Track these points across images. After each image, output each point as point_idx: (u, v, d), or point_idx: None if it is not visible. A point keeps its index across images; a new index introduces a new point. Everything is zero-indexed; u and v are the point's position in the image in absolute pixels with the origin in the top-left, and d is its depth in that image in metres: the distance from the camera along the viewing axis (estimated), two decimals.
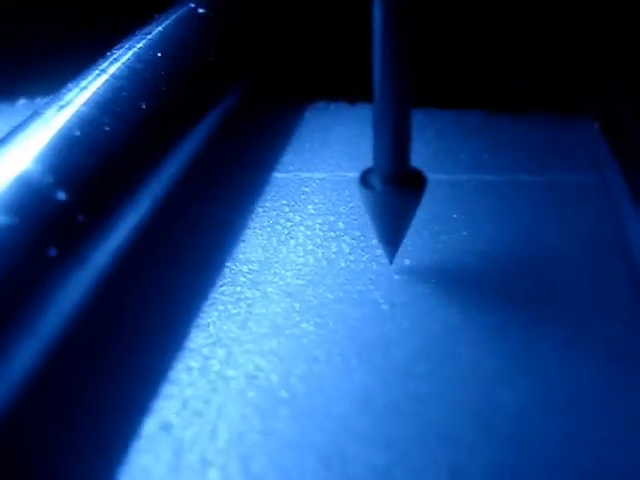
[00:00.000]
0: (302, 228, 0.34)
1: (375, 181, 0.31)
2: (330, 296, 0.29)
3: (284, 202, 0.36)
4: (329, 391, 0.25)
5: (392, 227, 0.32)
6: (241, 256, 0.32)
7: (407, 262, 0.32)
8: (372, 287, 0.30)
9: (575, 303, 0.30)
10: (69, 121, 0.30)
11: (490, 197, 0.37)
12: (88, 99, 0.32)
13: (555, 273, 0.32)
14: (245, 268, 0.31)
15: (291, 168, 0.40)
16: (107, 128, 0.31)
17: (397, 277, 0.31)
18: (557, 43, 0.47)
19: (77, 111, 0.31)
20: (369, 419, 0.24)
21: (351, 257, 0.32)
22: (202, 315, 0.29)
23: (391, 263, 0.33)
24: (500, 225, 0.35)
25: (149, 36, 0.38)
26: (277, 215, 0.35)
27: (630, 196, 0.34)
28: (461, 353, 0.27)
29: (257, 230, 0.34)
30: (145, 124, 0.33)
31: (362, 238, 0.33)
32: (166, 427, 0.24)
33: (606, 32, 0.46)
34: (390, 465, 0.22)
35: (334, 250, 0.32)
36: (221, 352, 0.27)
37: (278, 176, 0.39)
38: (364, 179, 0.31)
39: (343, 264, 0.31)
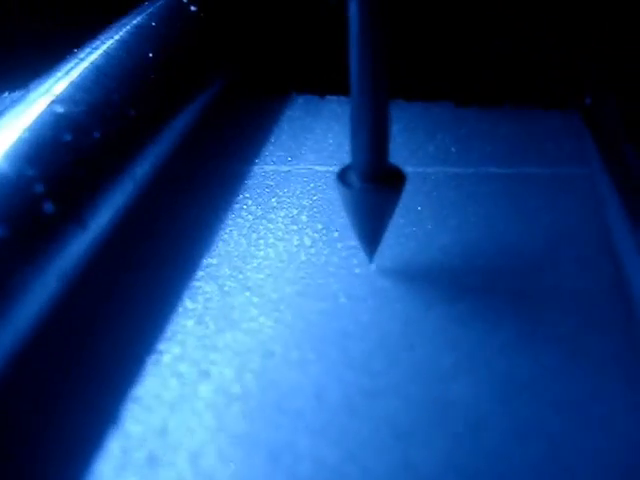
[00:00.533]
0: (264, 221, 0.34)
1: (353, 179, 0.30)
2: (289, 290, 0.29)
3: (247, 195, 0.36)
4: (283, 386, 0.25)
5: (371, 225, 0.32)
6: (201, 249, 0.32)
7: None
8: (332, 280, 0.30)
9: (539, 295, 0.30)
10: (44, 113, 0.29)
11: (455, 190, 0.37)
12: (64, 90, 0.31)
13: (518, 265, 0.32)
14: (204, 262, 0.31)
15: (256, 161, 0.40)
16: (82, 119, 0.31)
17: (358, 271, 0.31)
18: (534, 34, 0.47)
19: (52, 102, 0.30)
20: (322, 415, 0.24)
21: (312, 250, 0.32)
22: (158, 310, 0.29)
23: (371, 262, 0.32)
24: (465, 218, 0.35)
25: (127, 27, 0.38)
26: (239, 208, 0.35)
27: (612, 188, 0.34)
28: (419, 347, 0.27)
29: (219, 224, 0.34)
30: (121, 116, 0.33)
31: (324, 231, 0.33)
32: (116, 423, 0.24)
33: (584, 22, 0.46)
34: (341, 461, 0.22)
35: (295, 243, 0.32)
36: (176, 348, 0.26)
37: (243, 169, 0.39)
38: (342, 176, 0.31)
39: (304, 257, 0.31)
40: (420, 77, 0.48)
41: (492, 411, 0.24)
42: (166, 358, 0.26)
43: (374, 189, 0.30)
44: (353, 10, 0.27)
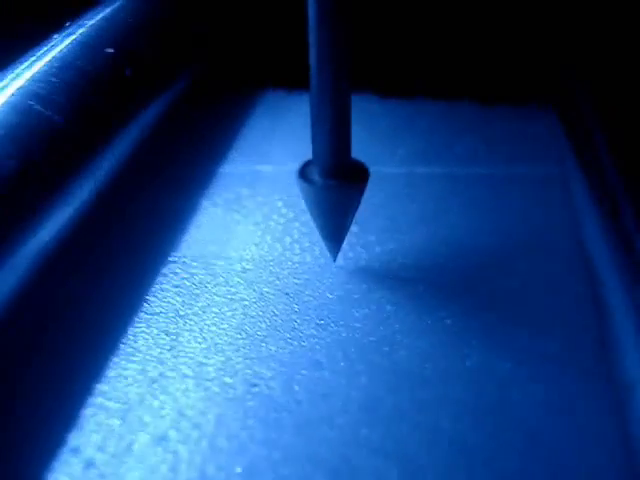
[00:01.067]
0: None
1: (314, 174, 0.29)
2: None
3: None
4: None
5: (334, 223, 0.31)
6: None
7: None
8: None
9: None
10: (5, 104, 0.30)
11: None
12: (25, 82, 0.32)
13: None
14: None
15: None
16: (49, 113, 0.31)
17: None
18: (514, 33, 0.47)
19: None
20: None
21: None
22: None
23: (335, 260, 0.32)
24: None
25: (94, 20, 0.38)
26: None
27: (584, 188, 0.35)
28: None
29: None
30: (89, 109, 0.33)
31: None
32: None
33: (562, 23, 0.46)
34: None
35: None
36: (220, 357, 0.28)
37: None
38: (303, 173, 0.30)
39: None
40: (397, 73, 0.48)
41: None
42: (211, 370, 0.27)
43: (336, 185, 0.29)
44: (311, 6, 0.26)
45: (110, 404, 0.27)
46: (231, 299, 0.32)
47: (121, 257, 0.34)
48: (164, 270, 0.33)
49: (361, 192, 0.30)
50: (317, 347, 0.29)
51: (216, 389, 0.28)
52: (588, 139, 0.37)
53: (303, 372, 0.28)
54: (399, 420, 0.26)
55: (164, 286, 0.33)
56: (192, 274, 0.33)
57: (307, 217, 0.33)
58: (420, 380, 0.28)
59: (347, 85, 0.28)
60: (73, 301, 0.32)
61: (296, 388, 0.28)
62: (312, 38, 0.27)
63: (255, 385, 0.28)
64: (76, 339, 0.30)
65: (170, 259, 0.34)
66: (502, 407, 0.27)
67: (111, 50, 0.36)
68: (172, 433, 0.26)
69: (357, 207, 0.31)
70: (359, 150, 0.30)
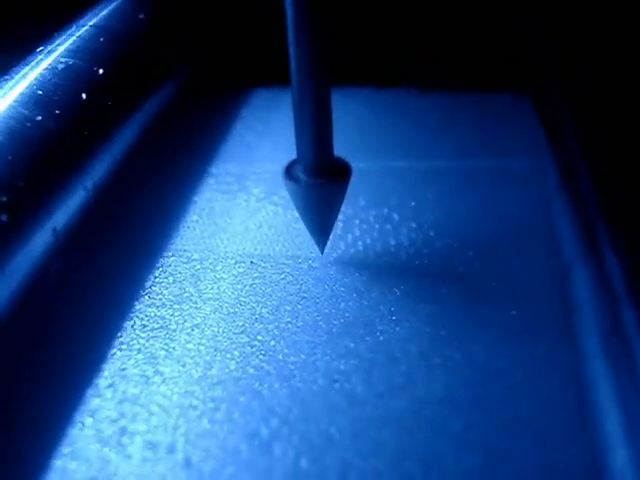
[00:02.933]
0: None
1: (299, 173, 0.31)
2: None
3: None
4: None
5: (320, 219, 0.33)
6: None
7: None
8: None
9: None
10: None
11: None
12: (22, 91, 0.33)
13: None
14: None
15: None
16: (39, 118, 0.32)
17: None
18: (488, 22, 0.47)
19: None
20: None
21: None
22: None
23: (322, 253, 0.34)
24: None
25: (88, 25, 0.39)
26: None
27: (556, 180, 0.36)
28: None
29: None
30: (82, 113, 0.34)
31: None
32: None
33: (539, 12, 0.46)
34: None
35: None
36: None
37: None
38: (289, 171, 0.31)
39: None
40: (369, 62, 0.49)
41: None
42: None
43: (320, 184, 0.31)
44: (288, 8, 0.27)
45: (198, 404, 0.28)
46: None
47: (117, 252, 0.35)
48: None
49: (344, 189, 0.32)
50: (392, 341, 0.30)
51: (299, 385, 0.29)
52: (561, 129, 0.38)
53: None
54: (480, 411, 0.27)
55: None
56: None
57: None
58: (493, 373, 0.29)
59: (327, 89, 0.29)
60: (72, 298, 0.33)
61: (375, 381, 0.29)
62: (290, 39, 0.28)
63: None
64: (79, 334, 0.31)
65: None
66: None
67: (100, 71, 0.37)
68: (263, 430, 0.27)
69: (341, 203, 0.33)
70: None
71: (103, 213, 0.36)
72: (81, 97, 0.34)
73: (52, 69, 0.35)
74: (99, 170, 0.35)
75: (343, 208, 0.38)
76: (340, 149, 0.42)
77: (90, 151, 0.34)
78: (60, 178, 0.32)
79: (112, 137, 0.36)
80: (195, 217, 0.38)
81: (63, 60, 0.35)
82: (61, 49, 0.36)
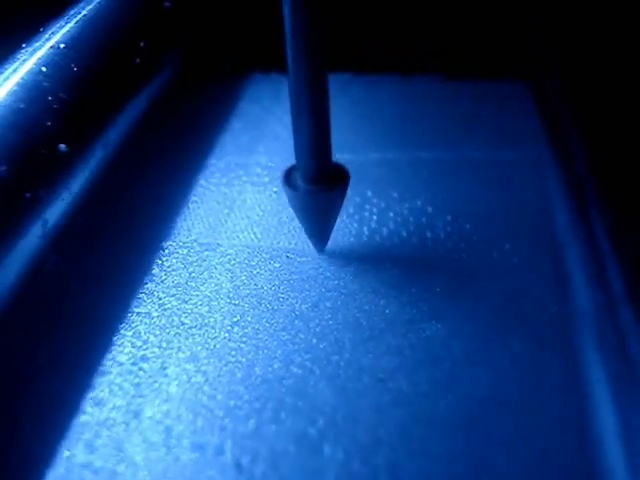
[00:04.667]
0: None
1: (298, 180, 0.31)
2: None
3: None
4: None
5: (318, 223, 0.33)
6: None
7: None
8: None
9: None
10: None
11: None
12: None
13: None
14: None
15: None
16: (38, 111, 0.32)
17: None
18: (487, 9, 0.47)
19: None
20: None
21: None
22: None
23: (321, 253, 0.35)
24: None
25: (83, 12, 0.39)
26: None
27: (556, 170, 0.36)
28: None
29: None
30: (77, 102, 0.34)
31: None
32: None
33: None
34: None
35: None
36: None
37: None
38: (287, 178, 0.32)
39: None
40: (366, 49, 0.48)
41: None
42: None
43: (318, 191, 0.31)
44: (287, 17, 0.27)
45: (243, 404, 0.28)
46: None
47: (116, 245, 0.35)
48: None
49: (342, 195, 0.32)
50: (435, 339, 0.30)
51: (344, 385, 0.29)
52: (559, 118, 0.37)
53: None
54: (528, 410, 0.27)
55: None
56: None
57: None
58: (537, 371, 0.29)
59: (325, 99, 0.29)
60: (72, 289, 0.33)
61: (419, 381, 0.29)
62: (289, 55, 0.28)
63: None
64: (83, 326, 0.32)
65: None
66: None
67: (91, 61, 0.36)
68: (312, 431, 0.27)
69: (339, 209, 0.33)
70: None
71: (100, 204, 0.36)
72: (72, 89, 0.34)
73: (43, 61, 0.34)
74: (94, 163, 0.35)
75: (376, 201, 0.38)
76: (367, 139, 0.42)
77: (85, 142, 0.34)
78: (57, 169, 0.32)
79: (106, 129, 0.36)
80: (226, 211, 0.37)
81: (53, 52, 0.35)
82: (52, 41, 0.36)
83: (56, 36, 0.36)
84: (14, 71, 0.33)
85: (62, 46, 0.35)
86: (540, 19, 0.45)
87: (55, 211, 0.32)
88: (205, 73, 0.48)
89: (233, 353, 0.30)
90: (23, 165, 0.30)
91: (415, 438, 0.26)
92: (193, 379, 0.29)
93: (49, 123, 0.32)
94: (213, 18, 0.49)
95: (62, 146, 0.32)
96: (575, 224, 0.32)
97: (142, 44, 0.40)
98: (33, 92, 0.32)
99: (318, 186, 0.31)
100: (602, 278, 0.28)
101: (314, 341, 0.30)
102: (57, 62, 0.34)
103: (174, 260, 0.34)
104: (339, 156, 0.40)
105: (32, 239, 0.30)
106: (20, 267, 0.30)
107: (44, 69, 0.33)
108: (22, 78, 0.33)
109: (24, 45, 0.35)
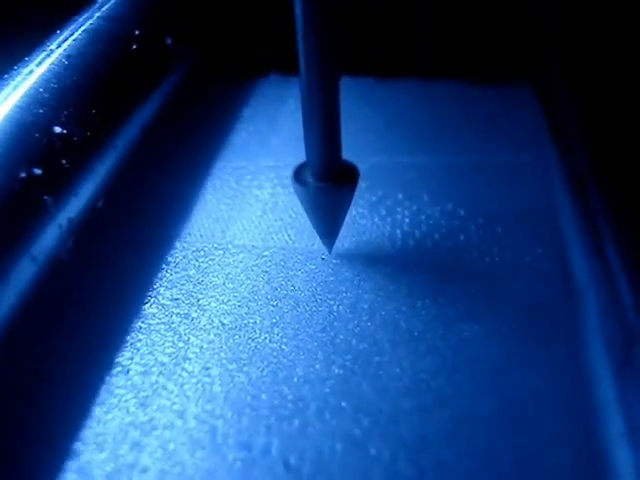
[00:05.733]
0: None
1: (308, 177, 0.32)
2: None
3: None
4: None
5: (328, 220, 0.33)
6: None
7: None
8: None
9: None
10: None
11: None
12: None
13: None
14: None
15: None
16: (49, 119, 0.32)
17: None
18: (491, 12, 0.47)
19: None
20: None
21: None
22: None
23: (330, 253, 0.35)
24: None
25: (98, 13, 0.39)
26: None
27: (561, 174, 0.36)
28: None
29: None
30: (91, 104, 0.34)
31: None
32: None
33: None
34: None
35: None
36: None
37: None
38: (297, 175, 0.32)
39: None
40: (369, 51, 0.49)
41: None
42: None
43: (328, 187, 0.32)
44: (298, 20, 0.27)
45: (287, 403, 0.28)
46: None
47: (127, 247, 0.36)
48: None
49: (352, 192, 0.32)
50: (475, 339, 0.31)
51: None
52: (565, 123, 0.38)
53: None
54: (568, 410, 0.27)
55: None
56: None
57: None
58: (578, 372, 0.29)
59: (335, 95, 0.29)
60: (83, 291, 0.33)
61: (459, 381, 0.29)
62: (300, 49, 0.28)
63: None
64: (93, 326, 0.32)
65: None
66: None
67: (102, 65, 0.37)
68: (356, 430, 0.27)
69: (349, 206, 0.33)
70: None
71: (110, 208, 0.36)
72: (85, 91, 0.34)
73: (56, 65, 0.34)
74: (106, 163, 0.35)
75: (407, 203, 0.38)
76: (396, 142, 0.42)
77: (96, 145, 0.34)
78: (68, 176, 0.32)
79: (116, 133, 0.36)
80: (259, 212, 0.38)
81: (66, 55, 0.35)
82: (65, 45, 0.36)
83: (68, 40, 0.36)
84: (24, 77, 0.33)
85: (71, 55, 0.35)
86: (546, 23, 0.45)
87: (68, 214, 0.32)
88: (214, 76, 0.49)
89: (274, 354, 0.30)
90: (40, 169, 0.30)
91: (460, 438, 0.27)
92: (236, 379, 0.29)
93: (59, 128, 0.32)
94: (222, 20, 0.49)
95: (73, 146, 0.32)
96: (581, 228, 0.32)
97: (152, 48, 0.40)
98: (43, 99, 0.33)
99: (328, 183, 0.31)
100: None
101: (354, 342, 0.31)
102: (62, 73, 0.34)
103: (210, 262, 0.35)
104: (371, 159, 0.41)
105: (47, 241, 0.31)
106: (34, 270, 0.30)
107: (53, 85, 0.34)
108: (31, 86, 0.33)
109: (26, 58, 0.36)
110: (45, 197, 0.30)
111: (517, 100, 0.46)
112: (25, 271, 0.29)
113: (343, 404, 0.28)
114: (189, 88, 0.45)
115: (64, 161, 0.32)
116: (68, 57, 0.35)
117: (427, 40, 0.49)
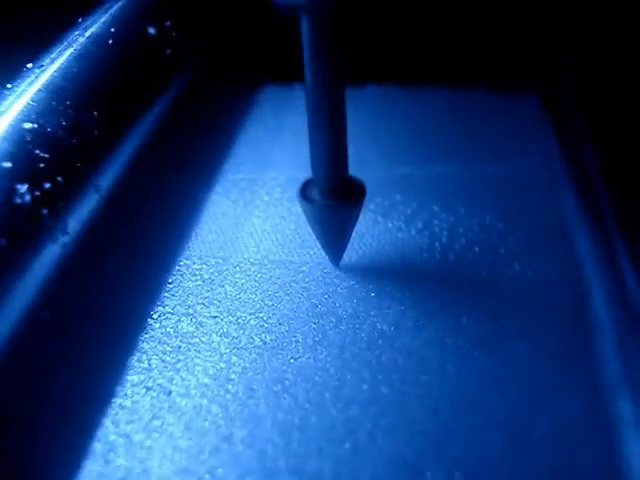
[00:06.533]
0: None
1: (315, 194, 0.31)
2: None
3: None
4: None
5: (334, 237, 0.33)
6: None
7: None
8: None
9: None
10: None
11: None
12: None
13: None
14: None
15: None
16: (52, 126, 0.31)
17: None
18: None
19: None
20: None
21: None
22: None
23: (337, 266, 0.35)
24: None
25: (102, 19, 0.38)
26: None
27: (570, 187, 0.36)
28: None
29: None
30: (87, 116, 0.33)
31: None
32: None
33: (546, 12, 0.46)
34: None
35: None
36: None
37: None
38: (304, 192, 0.32)
39: None
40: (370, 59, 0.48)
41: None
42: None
43: (335, 205, 0.31)
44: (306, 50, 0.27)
45: (337, 425, 0.28)
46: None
47: (130, 259, 0.35)
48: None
49: (358, 210, 0.32)
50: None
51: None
52: (573, 133, 0.37)
53: None
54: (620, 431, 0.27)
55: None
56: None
57: None
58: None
59: (342, 115, 0.29)
60: (90, 304, 0.33)
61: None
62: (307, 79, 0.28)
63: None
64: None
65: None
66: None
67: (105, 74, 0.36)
68: (409, 452, 0.26)
69: (355, 223, 0.33)
70: None
71: (114, 218, 0.35)
72: (87, 101, 0.34)
73: (58, 73, 0.34)
74: (108, 176, 0.34)
75: (444, 215, 0.37)
76: (425, 152, 0.42)
77: (98, 156, 0.33)
78: (71, 184, 0.31)
79: (118, 143, 0.35)
80: (293, 226, 0.37)
81: (68, 64, 0.34)
82: (66, 53, 0.35)
83: (69, 49, 0.35)
84: (25, 88, 0.33)
85: (67, 67, 0.35)
86: (552, 32, 0.45)
87: (71, 226, 0.31)
88: (218, 85, 0.48)
89: (320, 374, 0.29)
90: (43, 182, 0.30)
91: (517, 458, 0.26)
92: (282, 400, 0.28)
93: (63, 140, 0.31)
94: (225, 28, 0.48)
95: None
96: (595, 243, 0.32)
97: (154, 58, 0.39)
98: (49, 107, 0.32)
99: (334, 200, 0.31)
100: None
101: (400, 361, 0.30)
102: (71, 75, 0.34)
103: (247, 278, 0.34)
104: (401, 170, 0.40)
105: (48, 255, 0.30)
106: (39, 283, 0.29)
107: (55, 88, 0.33)
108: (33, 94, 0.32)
109: (30, 64, 0.35)
110: (43, 210, 0.29)
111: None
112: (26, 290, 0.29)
113: (394, 425, 0.27)
114: (189, 100, 0.44)
115: (60, 178, 0.31)
116: (64, 69, 0.34)
117: (448, 49, 0.49)
